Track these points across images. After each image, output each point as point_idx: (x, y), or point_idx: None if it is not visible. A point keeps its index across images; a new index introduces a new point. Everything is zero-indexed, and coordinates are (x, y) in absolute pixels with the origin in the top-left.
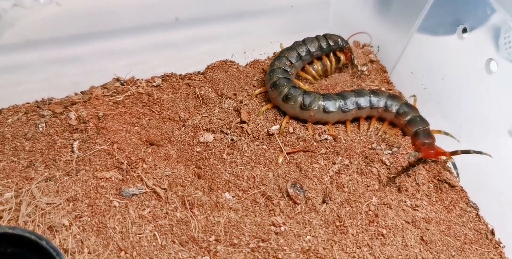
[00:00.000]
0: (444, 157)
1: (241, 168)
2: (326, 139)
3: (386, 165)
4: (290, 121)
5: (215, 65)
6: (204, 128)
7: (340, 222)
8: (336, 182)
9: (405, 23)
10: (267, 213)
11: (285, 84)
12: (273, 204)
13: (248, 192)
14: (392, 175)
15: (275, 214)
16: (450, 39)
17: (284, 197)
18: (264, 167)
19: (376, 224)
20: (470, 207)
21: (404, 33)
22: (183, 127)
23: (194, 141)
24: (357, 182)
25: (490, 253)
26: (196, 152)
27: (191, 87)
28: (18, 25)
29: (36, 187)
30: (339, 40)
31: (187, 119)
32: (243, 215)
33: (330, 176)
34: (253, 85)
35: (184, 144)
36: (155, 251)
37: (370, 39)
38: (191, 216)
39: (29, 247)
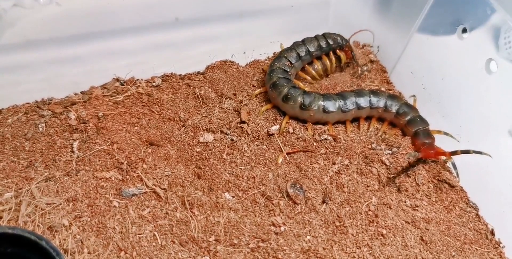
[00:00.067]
0: (444, 157)
1: (241, 168)
2: (326, 139)
3: (386, 165)
4: (290, 121)
5: (215, 65)
6: (204, 128)
7: (340, 222)
8: (336, 182)
9: (405, 23)
10: (267, 213)
11: (285, 84)
12: (273, 204)
13: (248, 192)
14: (392, 175)
15: (275, 214)
16: (450, 39)
17: (284, 197)
18: (264, 167)
19: (376, 224)
20: (470, 207)
21: (404, 33)
22: (183, 127)
23: (194, 141)
24: (357, 182)
25: (490, 253)
26: (196, 152)
27: (191, 87)
28: (18, 25)
29: (36, 187)
30: (338, 38)
31: (187, 119)
32: (243, 215)
33: (330, 176)
34: (253, 85)
35: (184, 144)
36: (155, 251)
37: (372, 37)
38: (191, 216)
39: (29, 247)
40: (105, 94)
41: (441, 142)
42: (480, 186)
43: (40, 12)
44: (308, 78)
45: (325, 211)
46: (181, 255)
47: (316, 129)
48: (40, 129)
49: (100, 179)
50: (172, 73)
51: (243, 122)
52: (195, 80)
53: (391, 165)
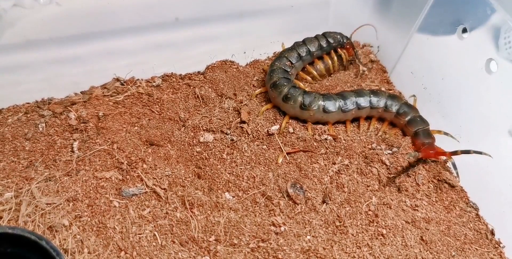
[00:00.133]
0: (444, 157)
1: (241, 168)
2: (326, 139)
3: (386, 165)
4: (290, 121)
5: (215, 65)
6: (204, 128)
7: (340, 222)
8: (336, 182)
9: (405, 23)
10: (267, 213)
11: (285, 84)
12: (273, 204)
13: (248, 192)
14: (392, 175)
15: (275, 214)
16: (450, 39)
17: (284, 197)
18: (264, 167)
19: (376, 224)
20: (470, 207)
21: (404, 33)
22: (183, 127)
23: (194, 141)
24: (357, 182)
25: (490, 253)
26: (196, 152)
27: (191, 87)
28: (18, 25)
29: (36, 187)
30: (338, 36)
31: (187, 119)
32: (243, 215)
33: (330, 176)
34: (253, 85)
35: (184, 144)
36: (155, 251)
37: (373, 35)
38: (191, 216)
39: (29, 247)
40: (105, 94)
41: (441, 142)
42: (480, 186)
43: (40, 12)
44: (309, 78)
45: (325, 211)
46: (181, 255)
47: (316, 129)
48: (40, 129)
49: (100, 179)
50: (172, 73)
51: (243, 122)
52: (195, 80)
53: (391, 165)
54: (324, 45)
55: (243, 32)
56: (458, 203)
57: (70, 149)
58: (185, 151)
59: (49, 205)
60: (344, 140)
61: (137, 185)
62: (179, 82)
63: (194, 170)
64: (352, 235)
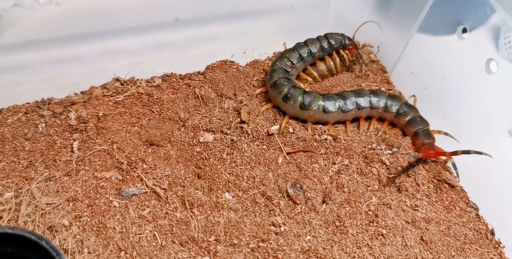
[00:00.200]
0: (444, 157)
1: (241, 168)
2: (326, 139)
3: (386, 165)
4: (290, 121)
5: (215, 65)
6: (204, 128)
7: (340, 222)
8: (336, 182)
9: (405, 23)
10: (267, 213)
11: (285, 84)
12: (273, 204)
13: (248, 192)
14: (392, 175)
15: (275, 214)
16: (450, 39)
17: (284, 197)
18: (264, 167)
19: (376, 224)
20: (470, 207)
21: (404, 33)
22: (183, 127)
23: (194, 141)
24: (357, 182)
25: (490, 253)
26: (196, 152)
27: (191, 87)
28: (18, 25)
29: (36, 187)
30: (340, 38)
31: (187, 119)
32: (243, 215)
33: (330, 176)
34: (253, 85)
35: (184, 144)
36: (155, 251)
37: (374, 34)
38: (191, 216)
39: (29, 247)
40: (105, 94)
41: (441, 142)
42: (480, 186)
43: (40, 12)
44: (310, 79)
45: (325, 211)
46: (181, 255)
47: (316, 129)
48: (40, 129)
49: (100, 179)
50: (172, 73)
51: (243, 122)
52: (195, 80)
53: (391, 165)
54: (326, 47)
55: (243, 32)
56: (458, 203)
57: (70, 149)
58: (185, 151)
59: (49, 205)
60: (344, 140)
61: (137, 185)
62: (179, 82)
63: (194, 170)
64: (352, 235)
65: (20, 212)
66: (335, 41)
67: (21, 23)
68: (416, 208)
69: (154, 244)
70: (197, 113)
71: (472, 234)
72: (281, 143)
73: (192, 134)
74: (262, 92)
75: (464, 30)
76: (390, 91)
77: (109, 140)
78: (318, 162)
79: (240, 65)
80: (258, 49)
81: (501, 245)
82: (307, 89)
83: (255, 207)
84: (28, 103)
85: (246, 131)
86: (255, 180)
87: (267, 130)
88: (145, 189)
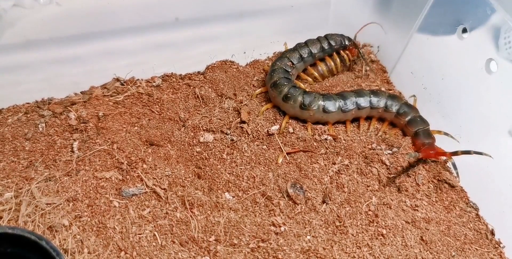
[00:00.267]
0: (444, 157)
1: (241, 168)
2: (326, 139)
3: (386, 165)
4: (290, 121)
5: (215, 65)
6: (204, 128)
7: (340, 222)
8: (336, 182)
9: (405, 23)
10: (267, 213)
11: (285, 83)
12: (273, 204)
13: (248, 192)
14: (392, 175)
15: (275, 214)
16: (450, 39)
17: (284, 197)
18: (264, 167)
19: (376, 224)
20: (470, 207)
21: (404, 33)
22: (183, 127)
23: (194, 141)
24: (357, 182)
25: (490, 253)
26: (196, 152)
27: (191, 87)
28: (18, 25)
29: (36, 187)
30: (340, 39)
31: (187, 119)
32: (243, 215)
33: (330, 176)
34: (253, 85)
35: (184, 144)
36: (155, 251)
37: (375, 35)
38: (191, 216)
39: (29, 247)
40: (105, 94)
41: (441, 142)
42: (480, 186)
43: (40, 12)
44: (310, 79)
45: (325, 211)
46: (181, 255)
47: (316, 129)
48: (40, 129)
49: (100, 179)
50: (172, 73)
51: (243, 122)
52: (195, 80)
53: (391, 165)
54: (326, 47)
55: (243, 32)
56: (458, 203)
57: (70, 149)
58: (185, 151)
59: (49, 205)
60: (344, 140)
61: (137, 185)
62: (179, 82)
63: (194, 170)
64: (352, 235)
65: (20, 212)
66: (335, 42)
67: (21, 23)
68: (416, 208)
69: (154, 244)
70: (197, 113)
71: (472, 234)
72: (281, 143)
73: (192, 134)
74: (262, 92)
75: (464, 30)
76: (390, 91)
77: (109, 140)
78: (318, 162)
79: (240, 65)
80: (258, 49)
81: (501, 245)
82: (307, 89)
83: (255, 207)
84: (28, 103)
85: (246, 131)
86: (255, 180)
87: (267, 130)
88: (145, 189)
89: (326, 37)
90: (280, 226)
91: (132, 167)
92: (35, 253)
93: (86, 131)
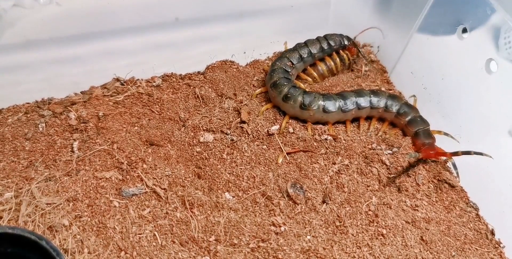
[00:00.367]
0: (444, 157)
1: (241, 168)
2: (326, 139)
3: (386, 165)
4: (290, 121)
5: (215, 65)
6: (204, 128)
7: (340, 222)
8: (336, 182)
9: (405, 23)
10: (267, 213)
11: (285, 83)
12: (273, 204)
13: (248, 192)
14: (392, 175)
15: (275, 214)
16: (450, 39)
17: (284, 197)
18: (264, 167)
19: (376, 224)
20: (470, 207)
21: (404, 33)
22: (183, 127)
23: (194, 141)
24: (357, 182)
25: (490, 253)
26: (196, 152)
27: (191, 87)
28: (18, 25)
29: (36, 187)
30: (339, 39)
31: (187, 119)
32: (243, 215)
33: (330, 176)
34: (253, 85)
35: (184, 144)
36: (155, 251)
37: (376, 35)
38: (191, 216)
39: (29, 247)
40: (105, 94)
41: (441, 142)
42: (480, 186)
43: (40, 12)
44: (309, 79)
45: (325, 211)
46: (181, 255)
47: (316, 129)
48: (40, 129)
49: (100, 179)
50: (172, 73)
51: (243, 122)
52: (195, 80)
53: (391, 165)
54: (325, 47)
55: (243, 32)
56: (458, 203)
57: (70, 149)
58: (185, 151)
59: (49, 205)
60: (344, 140)
61: (137, 185)
62: (179, 82)
63: (194, 170)
64: (352, 235)
65: (20, 212)
66: (334, 43)
67: (21, 23)
68: (416, 208)
69: (154, 244)
70: (197, 113)
71: (472, 234)
72: (281, 143)
73: (192, 134)
74: (262, 92)
75: (464, 30)
76: (390, 91)
77: (109, 140)
78: (318, 162)
79: (240, 65)
80: (258, 49)
81: (501, 245)
82: (307, 89)
83: (255, 207)
84: (28, 103)
85: (246, 131)
86: (255, 180)
87: (267, 130)
88: (145, 189)
89: (326, 37)
90: (280, 226)
91: (132, 167)
92: (35, 253)
93: (86, 131)
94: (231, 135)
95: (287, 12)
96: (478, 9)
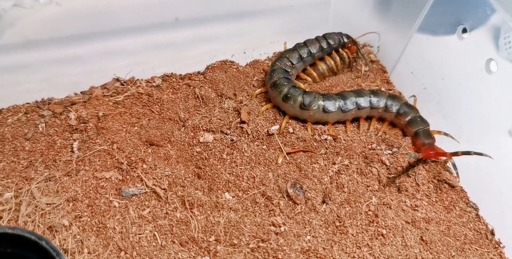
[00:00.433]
0: (444, 157)
1: (241, 168)
2: (326, 139)
3: (386, 165)
4: (290, 121)
5: (215, 65)
6: (204, 128)
7: (340, 222)
8: (336, 182)
9: (405, 23)
10: (267, 213)
11: (285, 83)
12: (273, 204)
13: (248, 192)
14: (392, 175)
15: (275, 214)
16: (450, 39)
17: (284, 197)
18: (264, 167)
19: (376, 224)
20: (470, 207)
21: (404, 33)
22: (183, 127)
23: (194, 141)
24: (357, 182)
25: (490, 253)
26: (196, 152)
27: (191, 87)
28: (18, 25)
29: (36, 187)
30: (338, 37)
31: (187, 119)
32: (243, 215)
33: (330, 176)
34: (253, 85)
35: (184, 144)
36: (155, 251)
37: (374, 37)
38: (191, 216)
39: (29, 247)
40: (105, 94)
41: (441, 142)
42: (480, 186)
43: (40, 12)
44: (309, 79)
45: (325, 211)
46: (181, 255)
47: (316, 129)
48: (40, 129)
49: (100, 179)
50: (172, 73)
51: (243, 122)
52: (195, 80)
53: (391, 165)
54: (325, 47)
55: (243, 32)
56: (458, 203)
57: (70, 149)
58: (185, 151)
59: (49, 205)
60: (344, 140)
61: (137, 185)
62: (179, 82)
63: (194, 170)
64: (352, 235)
65: (20, 212)
66: (333, 41)
67: (21, 23)
68: (416, 208)
69: (154, 244)
70: (197, 113)
71: (472, 234)
72: (281, 143)
73: (192, 134)
74: (262, 92)
75: (464, 30)
76: (390, 91)
77: (109, 140)
78: (318, 162)
79: (240, 65)
80: (258, 49)
81: (501, 245)
82: (307, 89)
83: (255, 207)
84: (28, 103)
85: (246, 131)
86: (255, 180)
87: (267, 130)
88: (145, 189)
89: (325, 36)
90: (280, 226)
91: (132, 167)
92: (35, 253)
93: (86, 131)
94: (231, 135)
95: (287, 12)
96: (478, 9)
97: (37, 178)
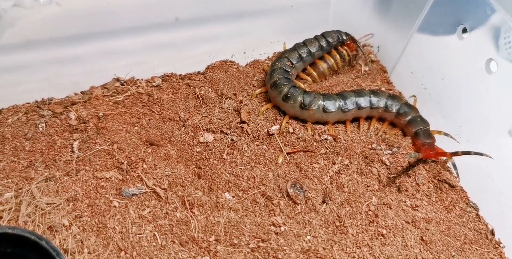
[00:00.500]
0: (444, 157)
1: (241, 168)
2: (326, 139)
3: (386, 165)
4: (290, 121)
5: (215, 65)
6: (204, 128)
7: (340, 222)
8: (336, 182)
9: (405, 23)
10: (267, 213)
11: (285, 83)
12: (273, 204)
13: (248, 192)
14: (392, 175)
15: (275, 214)
16: (450, 39)
17: (284, 197)
18: (264, 167)
19: (376, 224)
20: (470, 207)
21: (404, 33)
22: (183, 127)
23: (194, 141)
24: (357, 182)
25: (490, 253)
26: (196, 152)
27: (191, 87)
28: (18, 25)
29: (36, 187)
30: (336, 35)
31: (187, 119)
32: (243, 215)
33: (330, 176)
34: (253, 85)
35: (184, 144)
36: (155, 251)
37: (374, 37)
38: (191, 216)
39: (29, 247)
40: (105, 94)
41: (441, 142)
42: (480, 186)
43: (40, 12)
44: (309, 79)
45: (325, 211)
46: (181, 255)
47: (316, 129)
48: (40, 129)
49: (100, 179)
50: (172, 73)
51: (243, 122)
52: (195, 80)
53: (391, 165)
54: (324, 45)
55: (243, 32)
56: (458, 203)
57: (70, 149)
58: (185, 151)
59: (49, 205)
60: (344, 140)
61: (137, 185)
62: (179, 82)
63: (194, 170)
64: (352, 235)
65: (20, 212)
66: (332, 39)
67: (21, 23)
68: (416, 208)
69: (154, 244)
70: (197, 113)
71: (472, 234)
72: (281, 143)
73: (192, 134)
74: (262, 92)
75: (464, 30)
76: (390, 91)
77: (109, 140)
78: (318, 162)
79: (240, 65)
80: (258, 49)
81: (501, 245)
82: (307, 89)
83: (255, 207)
84: (28, 103)
85: (246, 131)
86: (255, 180)
87: (267, 130)
88: (145, 189)
89: (323, 35)
90: (280, 226)
91: (132, 167)
92: (35, 253)
93: (86, 131)
94: (231, 135)
95: (287, 12)
96: (478, 9)
97: (37, 178)
